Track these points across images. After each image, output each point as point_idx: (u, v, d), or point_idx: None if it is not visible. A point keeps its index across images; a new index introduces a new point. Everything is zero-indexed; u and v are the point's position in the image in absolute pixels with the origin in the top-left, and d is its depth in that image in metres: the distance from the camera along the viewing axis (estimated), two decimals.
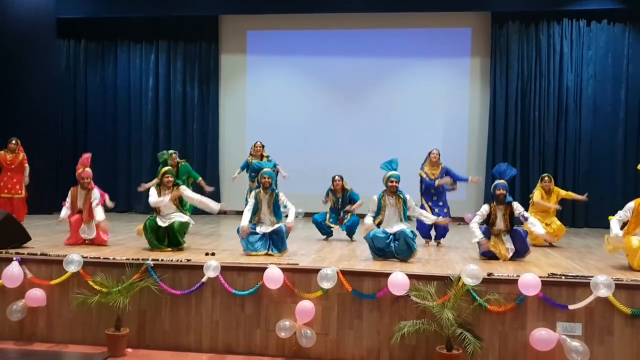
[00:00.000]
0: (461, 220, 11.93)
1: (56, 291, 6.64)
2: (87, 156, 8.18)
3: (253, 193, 7.53)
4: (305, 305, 6.13)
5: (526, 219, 7.27)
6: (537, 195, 8.97)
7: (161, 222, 7.58)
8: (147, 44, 13.69)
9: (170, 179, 7.80)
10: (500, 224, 7.24)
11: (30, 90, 12.23)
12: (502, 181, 7.31)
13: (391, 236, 7.02)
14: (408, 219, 7.25)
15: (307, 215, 12.57)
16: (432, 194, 8.80)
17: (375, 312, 6.17)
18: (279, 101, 13.13)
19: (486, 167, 12.43)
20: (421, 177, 8.85)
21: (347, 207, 9.16)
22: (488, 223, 7.28)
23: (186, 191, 7.95)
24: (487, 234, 7.23)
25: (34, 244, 7.59)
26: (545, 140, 12.23)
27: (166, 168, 7.95)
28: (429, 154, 8.90)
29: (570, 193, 9.45)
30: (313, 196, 9.70)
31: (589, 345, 5.69)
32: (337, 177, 9.23)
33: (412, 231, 7.01)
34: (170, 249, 7.46)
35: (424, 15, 12.81)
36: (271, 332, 6.26)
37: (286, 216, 7.46)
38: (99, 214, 7.81)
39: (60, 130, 13.35)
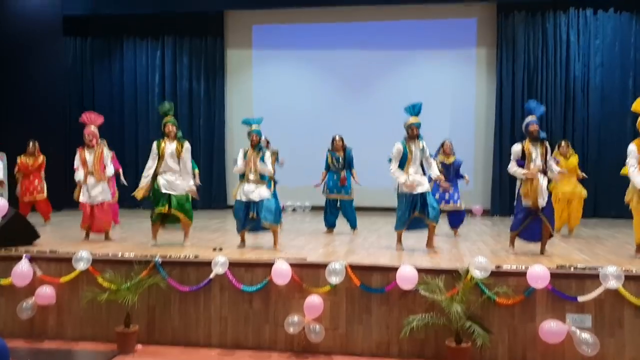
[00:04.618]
0: (469, 212, 11.96)
1: (66, 289, 6.67)
2: (95, 116, 8.30)
3: (242, 150, 7.56)
4: (314, 300, 6.12)
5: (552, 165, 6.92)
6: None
7: (163, 188, 7.57)
8: (153, 40, 13.74)
9: (172, 128, 7.60)
10: (537, 161, 6.79)
11: (38, 88, 12.29)
12: (533, 117, 6.96)
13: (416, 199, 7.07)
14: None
15: (314, 209, 12.61)
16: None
17: (384, 307, 6.17)
18: (285, 95, 13.11)
19: (493, 157, 12.40)
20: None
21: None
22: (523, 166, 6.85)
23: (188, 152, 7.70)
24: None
25: (43, 241, 7.63)
26: (553, 130, 12.13)
27: (167, 118, 7.66)
28: (442, 144, 9.01)
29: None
30: (319, 190, 9.67)
31: (599, 337, 5.66)
32: (337, 137, 9.09)
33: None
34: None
35: (430, 7, 12.77)
36: (280, 328, 6.27)
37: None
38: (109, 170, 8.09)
39: (67, 127, 13.37)
